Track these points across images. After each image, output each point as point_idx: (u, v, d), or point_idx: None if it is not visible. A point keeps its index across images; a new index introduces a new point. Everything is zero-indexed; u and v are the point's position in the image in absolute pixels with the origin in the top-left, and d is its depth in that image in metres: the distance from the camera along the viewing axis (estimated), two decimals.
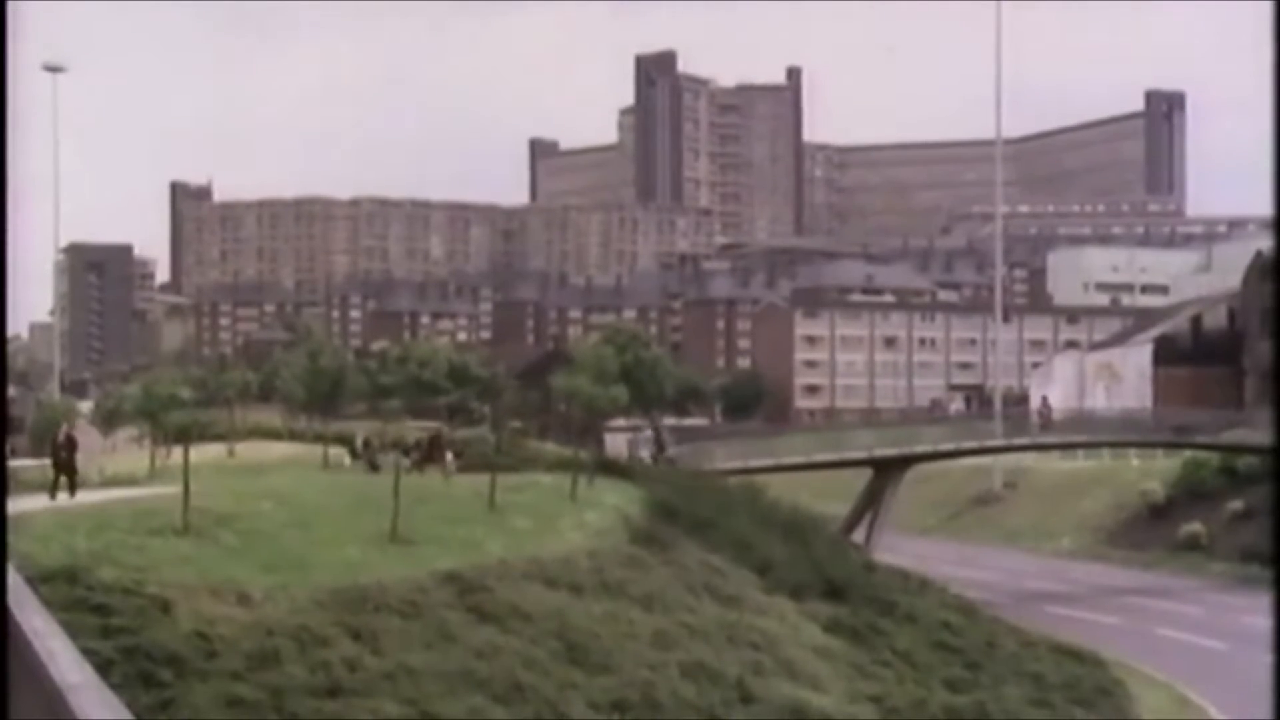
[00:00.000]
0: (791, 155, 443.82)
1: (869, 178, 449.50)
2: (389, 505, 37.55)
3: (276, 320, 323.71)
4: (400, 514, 37.50)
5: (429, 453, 57.27)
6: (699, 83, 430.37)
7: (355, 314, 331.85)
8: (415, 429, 73.67)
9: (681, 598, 38.89)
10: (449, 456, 55.52)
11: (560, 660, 32.27)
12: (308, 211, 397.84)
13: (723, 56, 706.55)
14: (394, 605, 32.36)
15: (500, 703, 29.72)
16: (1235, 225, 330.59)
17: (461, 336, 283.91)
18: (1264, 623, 64.69)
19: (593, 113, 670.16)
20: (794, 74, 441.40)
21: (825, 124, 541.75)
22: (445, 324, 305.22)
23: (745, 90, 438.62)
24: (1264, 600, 71.36)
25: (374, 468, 59.42)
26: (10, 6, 10.78)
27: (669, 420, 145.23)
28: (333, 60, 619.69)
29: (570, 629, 33.73)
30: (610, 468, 52.22)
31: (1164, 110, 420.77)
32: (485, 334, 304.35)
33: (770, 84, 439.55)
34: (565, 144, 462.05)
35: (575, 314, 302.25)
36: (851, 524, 77.93)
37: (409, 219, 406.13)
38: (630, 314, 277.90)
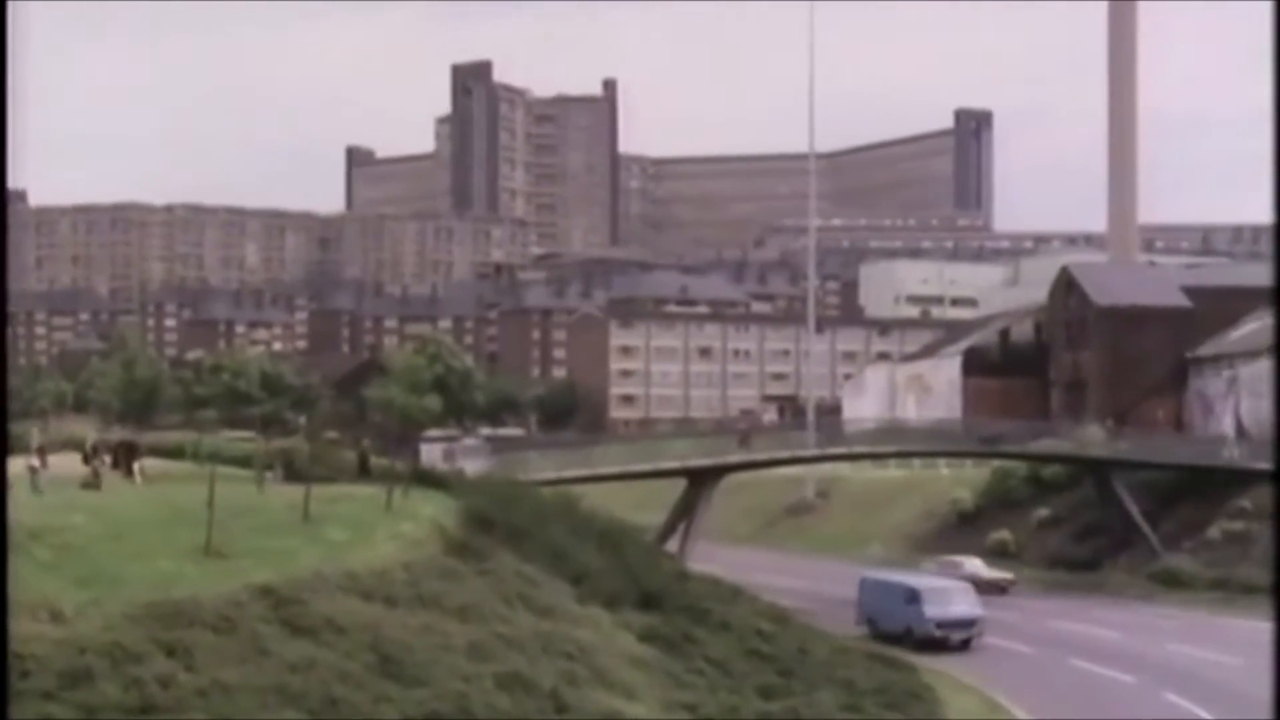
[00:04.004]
0: (607, 166, 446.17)
1: (683, 189, 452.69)
2: (204, 518, 37.28)
3: (91, 329, 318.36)
4: (215, 526, 37.22)
5: (115, 460, 53.44)
6: (515, 92, 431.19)
7: (170, 322, 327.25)
8: (236, 439, 72.71)
9: (496, 608, 38.93)
10: (137, 466, 52.38)
11: (375, 673, 32.16)
12: (123, 217, 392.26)
13: (539, 67, 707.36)
14: (208, 620, 32.04)
15: (315, 717, 29.64)
16: (1040, 240, 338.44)
17: (277, 346, 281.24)
18: (1068, 626, 66.53)
19: (409, 121, 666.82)
20: (609, 85, 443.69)
21: (640, 135, 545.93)
22: (261, 333, 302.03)
23: (561, 101, 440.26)
24: (1068, 605, 73.38)
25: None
26: (10, 6, 10.81)
27: (485, 430, 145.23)
28: (149, 65, 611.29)
29: (385, 641, 33.63)
30: (426, 478, 52.08)
31: (972, 128, 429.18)
32: (301, 343, 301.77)
33: (586, 95, 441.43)
34: (381, 152, 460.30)
35: (391, 323, 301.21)
36: (666, 533, 78.42)
37: (224, 226, 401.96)
38: (446, 323, 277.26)
